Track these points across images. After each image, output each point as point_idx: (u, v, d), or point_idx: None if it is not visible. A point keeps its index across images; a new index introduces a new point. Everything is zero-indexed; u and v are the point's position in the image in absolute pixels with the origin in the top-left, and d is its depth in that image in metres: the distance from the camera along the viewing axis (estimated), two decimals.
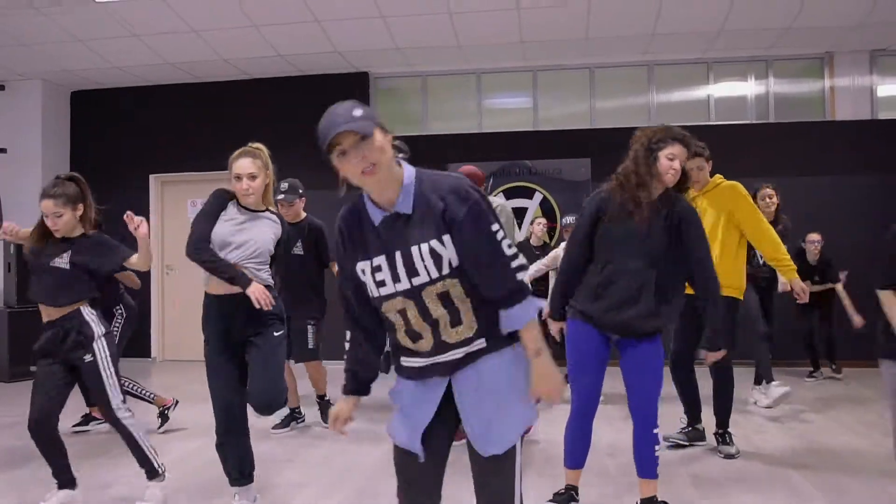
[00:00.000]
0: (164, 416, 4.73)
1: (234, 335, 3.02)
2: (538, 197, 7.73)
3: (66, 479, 3.19)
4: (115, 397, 3.15)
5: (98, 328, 3.17)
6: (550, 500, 3.05)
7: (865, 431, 4.45)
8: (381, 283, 1.75)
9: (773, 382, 5.09)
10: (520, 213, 7.48)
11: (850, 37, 7.01)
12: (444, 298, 1.73)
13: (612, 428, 4.43)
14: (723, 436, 4.00)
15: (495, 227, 1.71)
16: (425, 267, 1.71)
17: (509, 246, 1.73)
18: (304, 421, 4.89)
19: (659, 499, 2.94)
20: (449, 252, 1.71)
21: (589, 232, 2.91)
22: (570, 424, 2.98)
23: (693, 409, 4.17)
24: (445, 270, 1.72)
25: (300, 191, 4.69)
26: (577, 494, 3.05)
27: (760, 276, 5.07)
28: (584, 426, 2.96)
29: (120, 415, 3.14)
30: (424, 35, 6.98)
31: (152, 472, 3.23)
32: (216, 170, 8.01)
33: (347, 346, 1.93)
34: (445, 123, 8.14)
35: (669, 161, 2.85)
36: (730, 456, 3.90)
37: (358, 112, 1.67)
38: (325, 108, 1.71)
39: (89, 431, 4.74)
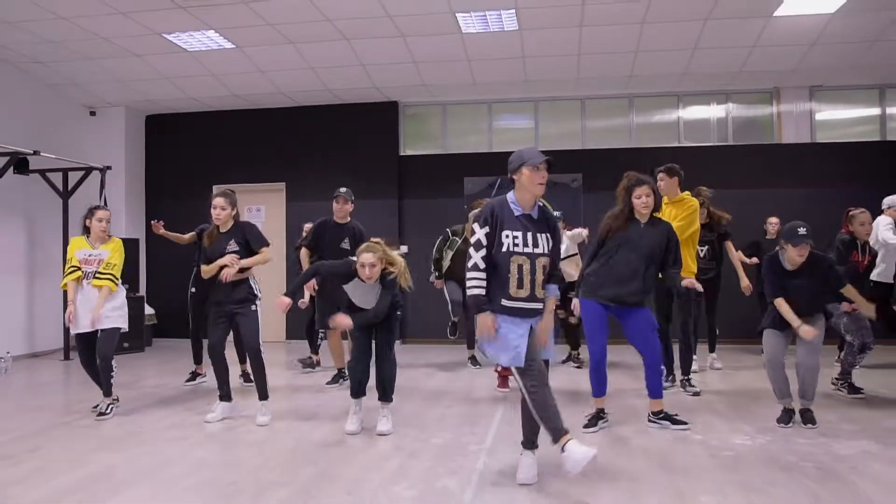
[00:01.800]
0: None
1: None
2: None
3: (225, 393, 4.76)
4: (260, 341, 4.71)
5: (258, 294, 4.80)
6: (584, 426, 4.31)
7: None
8: (516, 245, 3.24)
9: (713, 354, 6.75)
10: None
11: (791, 76, 8.58)
12: (542, 269, 3.29)
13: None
14: (689, 380, 5.53)
15: (561, 245, 3.43)
16: (541, 244, 3.29)
17: (563, 250, 3.34)
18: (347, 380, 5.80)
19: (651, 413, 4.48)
20: (547, 244, 3.32)
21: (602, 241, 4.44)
22: (591, 369, 4.39)
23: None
24: (546, 251, 3.29)
25: (352, 198, 5.89)
26: (604, 413, 4.45)
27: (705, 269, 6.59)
28: (601, 370, 4.35)
29: (261, 354, 4.68)
30: (447, 75, 8.51)
31: (265, 395, 4.69)
32: (268, 181, 9.68)
33: (481, 275, 3.24)
34: (461, 142, 9.55)
35: (637, 199, 4.35)
36: (696, 394, 5.38)
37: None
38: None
39: (200, 384, 6.24)
